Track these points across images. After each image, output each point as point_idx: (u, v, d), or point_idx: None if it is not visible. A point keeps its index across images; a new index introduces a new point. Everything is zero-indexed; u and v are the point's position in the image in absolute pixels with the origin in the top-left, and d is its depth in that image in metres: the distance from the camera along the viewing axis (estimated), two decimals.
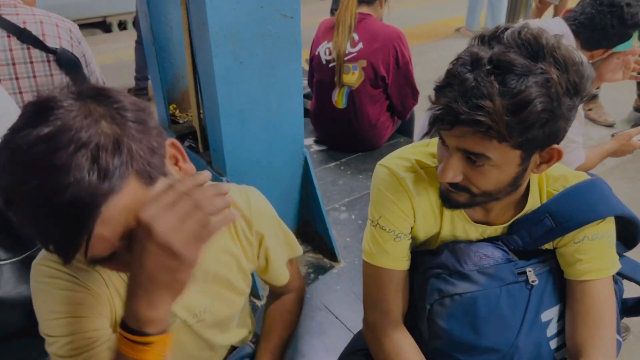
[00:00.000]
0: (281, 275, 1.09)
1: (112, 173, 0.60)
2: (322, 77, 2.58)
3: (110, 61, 4.44)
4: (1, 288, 1.41)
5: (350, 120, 2.57)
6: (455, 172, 0.88)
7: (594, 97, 3.50)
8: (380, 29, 2.44)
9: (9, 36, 1.92)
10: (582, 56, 0.84)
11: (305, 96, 2.93)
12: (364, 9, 2.46)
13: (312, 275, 1.82)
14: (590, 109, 3.46)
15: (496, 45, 0.81)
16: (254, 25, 1.47)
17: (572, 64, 0.80)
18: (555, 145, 0.86)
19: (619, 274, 1.10)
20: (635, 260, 1.16)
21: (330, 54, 2.50)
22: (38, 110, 0.62)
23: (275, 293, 1.17)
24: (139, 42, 3.54)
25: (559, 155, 0.88)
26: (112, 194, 0.60)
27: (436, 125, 0.85)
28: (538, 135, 0.81)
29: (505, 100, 0.77)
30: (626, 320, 1.65)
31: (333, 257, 1.90)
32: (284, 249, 1.08)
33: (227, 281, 0.98)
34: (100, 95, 0.65)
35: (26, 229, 0.63)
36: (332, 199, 2.25)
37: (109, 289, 0.85)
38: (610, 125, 3.35)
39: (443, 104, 0.81)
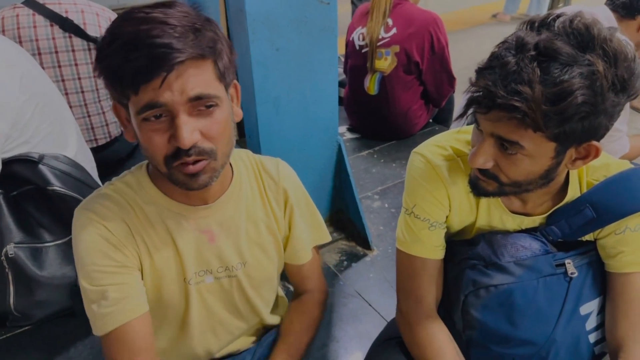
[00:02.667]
0: (302, 253, 1.08)
1: (204, 46, 0.76)
2: (355, 62, 2.56)
3: None
4: (47, 269, 1.47)
5: (382, 107, 2.56)
6: (486, 158, 0.86)
7: None
8: (415, 14, 2.40)
9: (52, 25, 1.97)
10: (635, 53, 0.81)
11: (340, 84, 2.93)
12: None
13: (345, 263, 1.83)
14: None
15: (545, 32, 0.78)
16: (291, 11, 1.47)
17: (623, 58, 0.77)
18: (594, 142, 0.84)
19: None
20: None
21: (363, 39, 2.49)
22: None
23: (296, 292, 1.17)
24: None
25: (596, 153, 0.85)
26: (195, 59, 0.76)
27: (472, 107, 0.83)
28: (576, 128, 0.78)
29: (546, 88, 0.75)
30: None
31: (366, 245, 1.90)
32: (310, 228, 1.09)
33: (257, 242, 1.01)
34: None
35: (115, 62, 0.75)
36: (365, 187, 2.24)
37: (135, 238, 0.90)
38: None
39: (482, 86, 0.80)
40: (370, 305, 1.65)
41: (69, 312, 1.56)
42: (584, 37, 0.77)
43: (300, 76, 1.60)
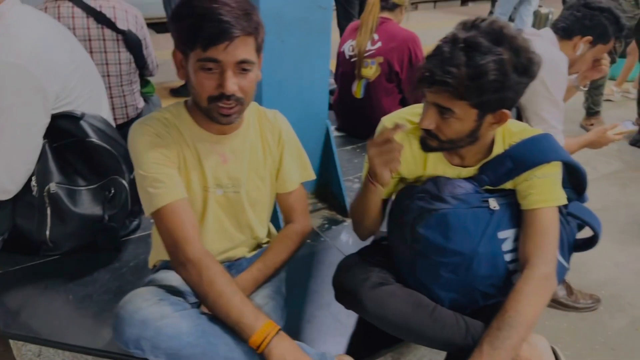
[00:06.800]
0: (289, 183, 1.38)
1: (252, 26, 1.09)
2: (345, 70, 2.90)
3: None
4: (79, 206, 1.73)
5: (365, 109, 2.87)
6: (430, 121, 1.18)
7: (596, 113, 3.72)
8: (397, 31, 2.76)
9: (88, 17, 2.25)
10: (535, 47, 1.14)
11: (330, 92, 3.25)
12: (386, 14, 2.78)
13: (326, 226, 2.13)
14: (592, 124, 3.69)
15: (473, 30, 1.12)
16: (296, 11, 1.79)
17: (524, 50, 1.10)
18: (504, 110, 1.16)
19: (570, 214, 1.37)
20: (581, 204, 1.43)
21: (353, 50, 2.83)
22: None
23: (284, 225, 1.45)
24: None
25: (506, 118, 1.17)
26: (245, 35, 1.07)
27: (421, 83, 1.16)
28: (490, 99, 1.11)
29: (469, 70, 1.07)
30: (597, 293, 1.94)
31: (344, 212, 2.18)
32: (298, 166, 1.40)
33: (256, 170, 1.32)
34: None
35: (191, 27, 1.07)
36: (347, 173, 2.53)
37: (175, 150, 1.20)
38: None
39: (427, 68, 1.13)
40: (344, 255, 1.93)
41: (92, 248, 1.82)
42: (498, 35, 1.10)
43: (299, 65, 1.91)
